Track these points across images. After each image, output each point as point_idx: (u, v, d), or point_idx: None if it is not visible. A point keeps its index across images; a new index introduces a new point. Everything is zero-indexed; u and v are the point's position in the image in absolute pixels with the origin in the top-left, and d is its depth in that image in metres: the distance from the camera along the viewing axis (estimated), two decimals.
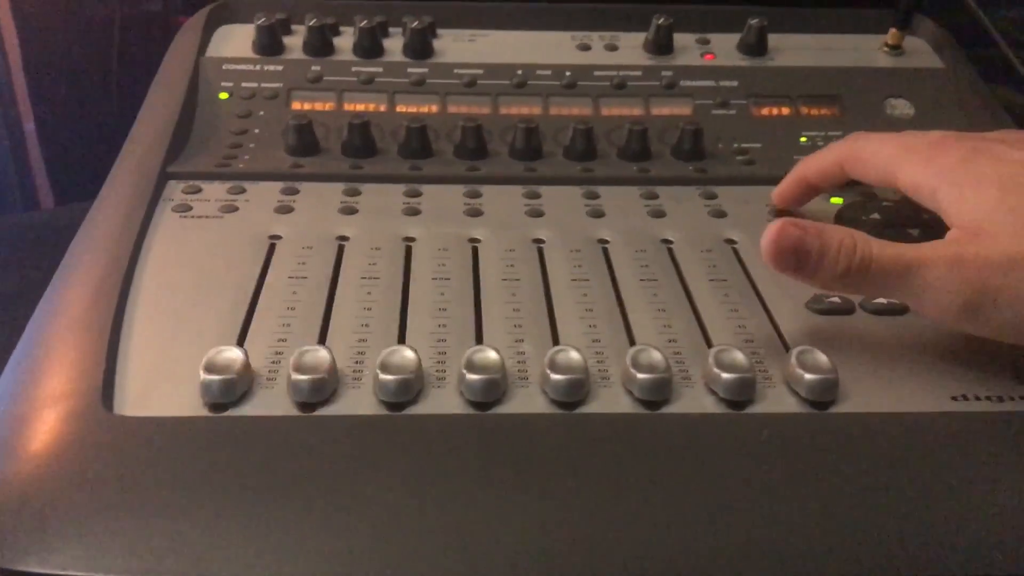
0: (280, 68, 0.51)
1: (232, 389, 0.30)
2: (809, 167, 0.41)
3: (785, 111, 0.52)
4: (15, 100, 0.99)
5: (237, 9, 0.56)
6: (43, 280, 0.54)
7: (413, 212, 0.42)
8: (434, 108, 0.50)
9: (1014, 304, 0.30)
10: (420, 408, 0.30)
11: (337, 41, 0.53)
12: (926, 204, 0.35)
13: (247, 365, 0.30)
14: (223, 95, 0.50)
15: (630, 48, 0.54)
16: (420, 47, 0.52)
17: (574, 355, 0.31)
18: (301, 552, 0.26)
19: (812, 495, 0.28)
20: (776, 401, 0.31)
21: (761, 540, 0.27)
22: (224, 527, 0.26)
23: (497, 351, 0.31)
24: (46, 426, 0.29)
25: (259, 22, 0.52)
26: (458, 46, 0.54)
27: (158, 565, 0.25)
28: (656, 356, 0.31)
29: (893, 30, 0.55)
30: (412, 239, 0.40)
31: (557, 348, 0.32)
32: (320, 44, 0.52)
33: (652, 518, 0.27)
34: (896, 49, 0.56)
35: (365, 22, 0.52)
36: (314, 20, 0.52)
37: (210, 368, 0.30)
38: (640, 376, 0.31)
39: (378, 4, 0.56)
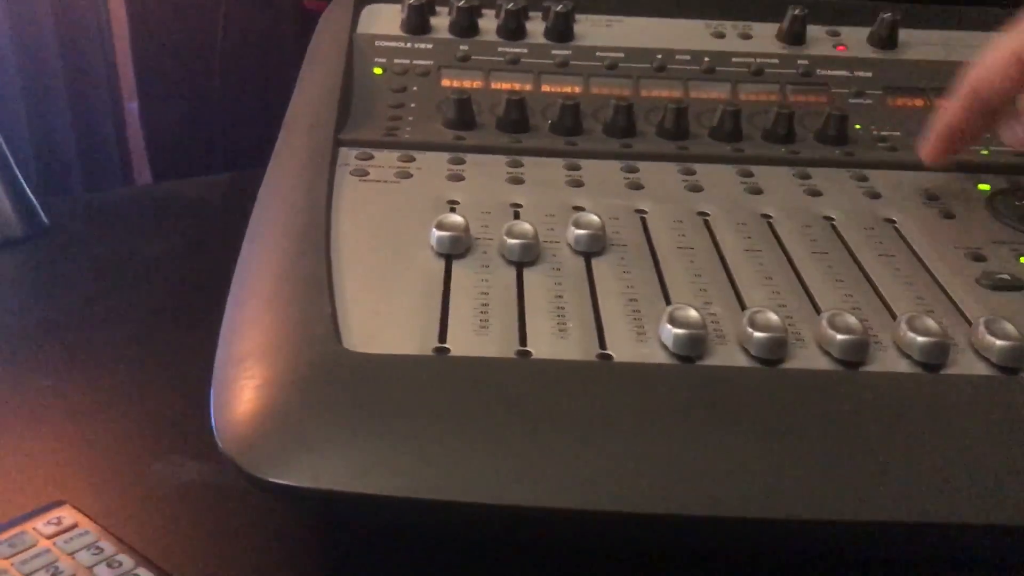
0: (430, 46, 0.53)
1: None
2: (979, 71, 0.40)
3: (919, 103, 0.53)
4: (119, 79, 1.01)
5: None
6: (157, 248, 0.56)
7: (576, 184, 0.44)
8: (577, 89, 0.52)
9: None
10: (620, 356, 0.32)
11: (481, 23, 0.55)
12: None
13: None
14: (378, 70, 0.51)
15: (764, 37, 0.56)
16: (562, 30, 0.54)
17: (772, 316, 0.33)
18: (535, 476, 0.28)
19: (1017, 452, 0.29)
20: (968, 366, 0.33)
21: (962, 488, 0.28)
22: (468, 451, 0.28)
23: (697, 310, 0.33)
24: (290, 360, 0.31)
25: (410, 1, 0.54)
26: (596, 30, 0.55)
27: (406, 483, 0.27)
28: (852, 320, 0.33)
29: None
30: (581, 208, 0.42)
31: (755, 308, 0.33)
32: (467, 25, 0.54)
33: (858, 466, 0.29)
34: None
35: (512, 4, 0.54)
36: (463, 1, 0.54)
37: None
38: (839, 337, 0.32)
39: None
